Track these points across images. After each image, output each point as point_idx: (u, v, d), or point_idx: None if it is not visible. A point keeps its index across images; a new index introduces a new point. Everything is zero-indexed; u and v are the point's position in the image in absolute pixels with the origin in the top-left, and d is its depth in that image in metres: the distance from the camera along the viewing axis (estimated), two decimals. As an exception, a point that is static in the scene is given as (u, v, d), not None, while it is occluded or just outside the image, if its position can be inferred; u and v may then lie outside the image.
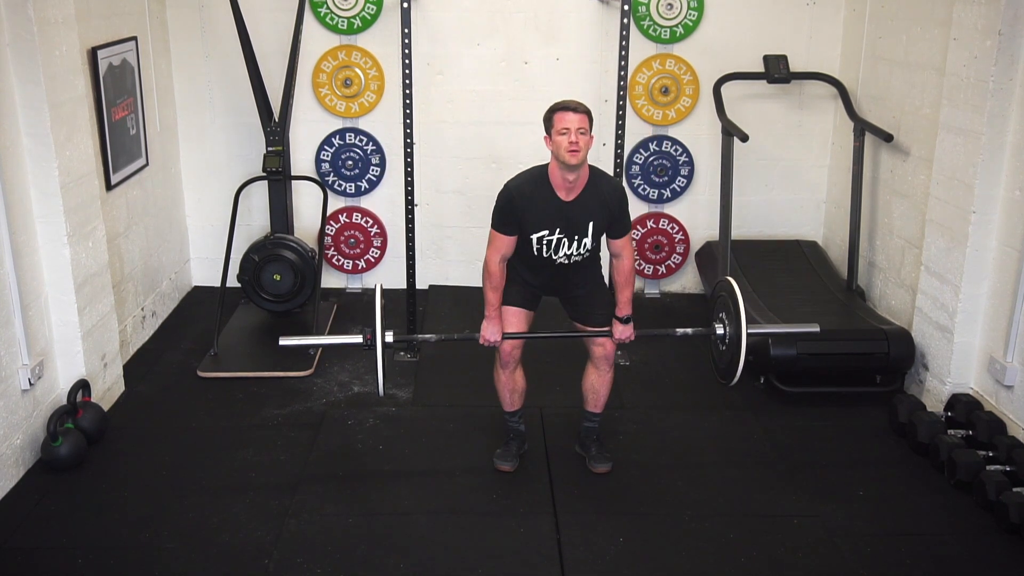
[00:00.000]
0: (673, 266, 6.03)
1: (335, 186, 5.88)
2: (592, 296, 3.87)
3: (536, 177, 3.63)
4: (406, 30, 4.64)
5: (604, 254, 3.85)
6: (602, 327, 3.83)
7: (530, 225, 3.61)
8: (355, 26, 5.59)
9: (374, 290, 3.80)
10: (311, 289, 5.26)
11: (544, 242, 3.64)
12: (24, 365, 3.80)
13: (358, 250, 5.99)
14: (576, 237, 3.64)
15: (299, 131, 5.75)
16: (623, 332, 3.82)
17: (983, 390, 4.25)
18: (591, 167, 3.65)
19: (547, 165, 3.64)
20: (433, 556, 3.40)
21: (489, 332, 3.71)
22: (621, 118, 4.77)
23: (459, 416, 4.40)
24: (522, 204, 3.58)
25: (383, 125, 5.78)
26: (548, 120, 3.57)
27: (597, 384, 3.92)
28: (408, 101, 4.74)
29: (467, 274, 5.98)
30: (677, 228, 5.97)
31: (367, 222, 5.95)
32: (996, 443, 3.89)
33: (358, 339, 3.73)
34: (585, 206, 3.62)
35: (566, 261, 3.70)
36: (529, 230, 3.62)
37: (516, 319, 3.77)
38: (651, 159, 5.82)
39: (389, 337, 3.71)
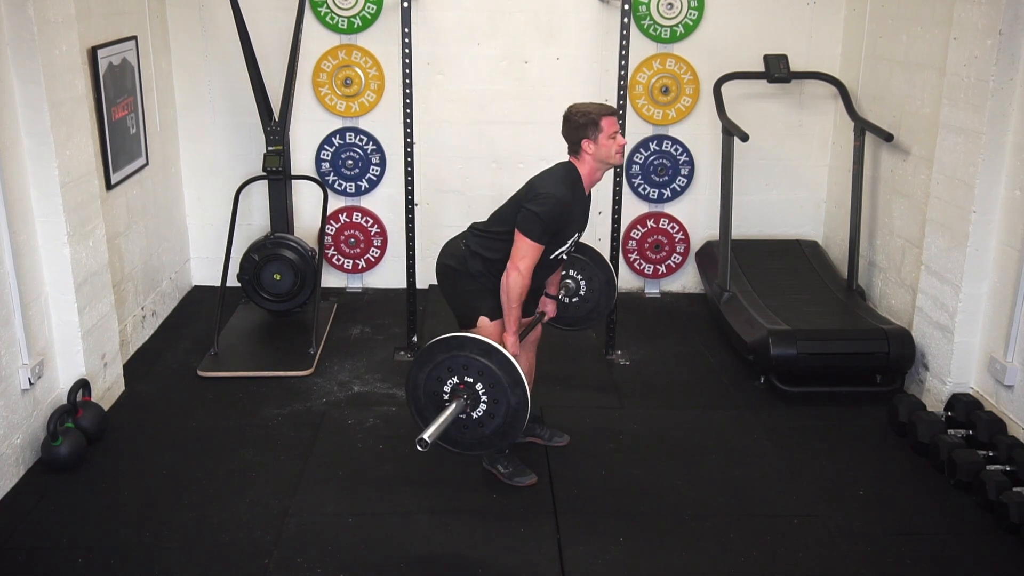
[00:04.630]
0: (673, 266, 6.02)
1: (335, 186, 5.88)
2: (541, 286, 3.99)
3: (571, 180, 3.63)
4: (406, 29, 4.64)
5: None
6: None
7: (571, 228, 3.65)
8: (355, 25, 5.59)
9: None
10: (311, 289, 5.26)
11: (573, 242, 3.74)
12: (24, 364, 3.80)
13: (358, 250, 5.99)
14: (583, 228, 3.79)
15: (299, 131, 5.74)
16: (551, 304, 4.09)
17: (983, 390, 4.25)
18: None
19: (569, 165, 3.66)
20: (433, 556, 3.40)
21: (516, 347, 3.64)
22: (621, 118, 4.76)
23: (459, 416, 4.40)
24: (570, 210, 3.59)
25: (383, 125, 5.78)
26: (594, 124, 3.56)
27: (533, 364, 4.07)
28: (408, 101, 4.74)
29: (467, 274, 5.99)
30: (677, 228, 5.97)
31: (367, 222, 5.95)
32: (996, 443, 3.89)
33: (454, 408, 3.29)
34: (589, 199, 3.80)
35: (565, 256, 3.80)
36: (570, 233, 3.67)
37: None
38: (651, 159, 5.82)
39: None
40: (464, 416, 3.31)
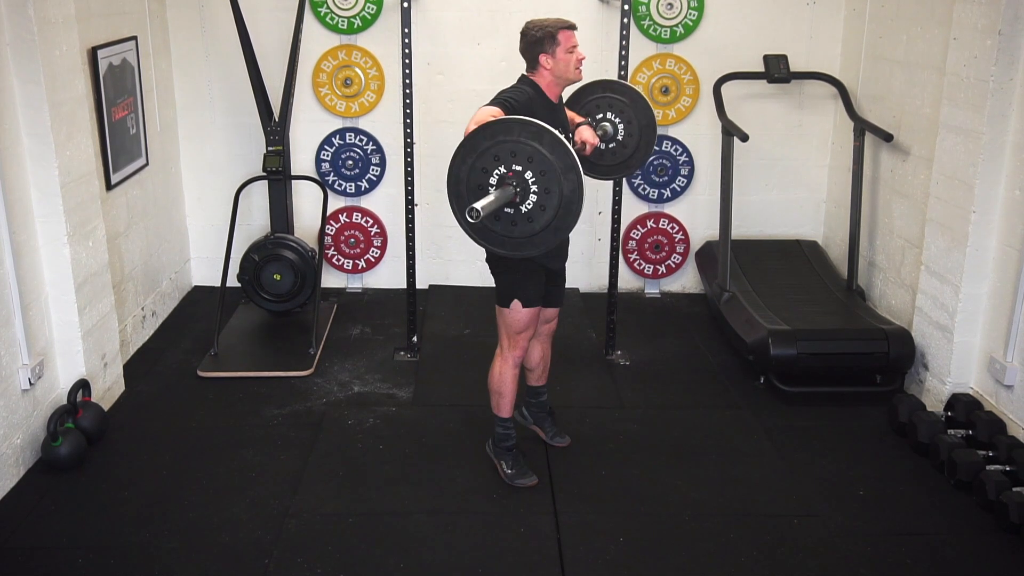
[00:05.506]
0: (673, 266, 6.02)
1: (335, 186, 5.88)
2: (563, 270, 3.90)
3: (529, 84, 3.58)
4: (406, 30, 4.64)
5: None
6: (559, 303, 3.92)
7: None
8: (355, 26, 5.59)
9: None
10: (311, 289, 5.26)
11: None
12: (24, 365, 3.80)
13: (358, 250, 5.99)
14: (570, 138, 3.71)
15: (299, 131, 5.75)
16: (589, 131, 3.81)
17: (983, 390, 4.25)
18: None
19: (525, 78, 3.62)
20: (433, 556, 3.40)
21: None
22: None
23: (459, 416, 4.40)
24: (535, 104, 3.48)
25: (383, 125, 5.78)
26: (551, 38, 3.51)
27: (547, 354, 4.02)
28: (408, 101, 4.74)
29: (468, 274, 5.99)
30: (677, 228, 5.97)
31: (367, 222, 5.95)
32: (996, 443, 3.89)
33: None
34: (562, 109, 3.74)
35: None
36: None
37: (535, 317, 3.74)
38: (651, 159, 5.82)
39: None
40: (512, 210, 3.06)
